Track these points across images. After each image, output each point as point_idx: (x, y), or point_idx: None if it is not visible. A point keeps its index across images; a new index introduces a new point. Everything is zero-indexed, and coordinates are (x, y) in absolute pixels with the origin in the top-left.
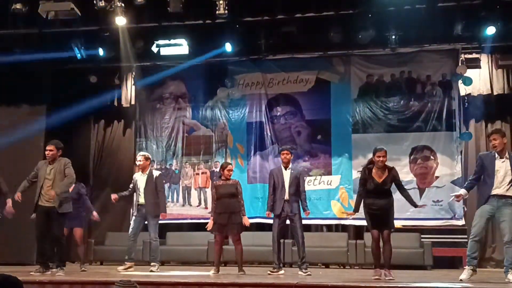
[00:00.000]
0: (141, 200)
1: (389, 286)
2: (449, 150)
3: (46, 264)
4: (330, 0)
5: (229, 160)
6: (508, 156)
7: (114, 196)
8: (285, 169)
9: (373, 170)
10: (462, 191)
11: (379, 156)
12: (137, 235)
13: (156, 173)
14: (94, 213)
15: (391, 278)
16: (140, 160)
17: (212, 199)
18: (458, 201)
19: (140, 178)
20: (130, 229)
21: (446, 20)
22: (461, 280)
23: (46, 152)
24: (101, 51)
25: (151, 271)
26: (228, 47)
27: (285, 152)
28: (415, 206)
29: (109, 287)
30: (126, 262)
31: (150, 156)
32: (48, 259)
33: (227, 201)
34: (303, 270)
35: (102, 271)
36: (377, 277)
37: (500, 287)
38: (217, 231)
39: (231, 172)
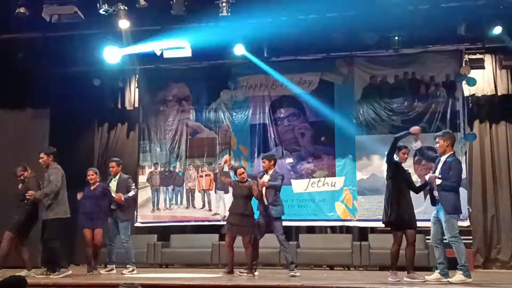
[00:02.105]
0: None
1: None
2: None
3: (51, 267)
4: (333, 1)
5: (233, 162)
6: (445, 158)
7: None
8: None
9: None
10: None
11: (404, 153)
12: (115, 238)
13: (124, 176)
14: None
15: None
16: (112, 166)
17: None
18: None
19: (112, 183)
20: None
21: (450, 20)
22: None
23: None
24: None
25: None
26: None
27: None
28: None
29: None
30: (107, 265)
31: (121, 161)
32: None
33: (240, 202)
34: (290, 271)
35: (106, 274)
36: (398, 279)
37: None
38: (228, 230)
39: (241, 176)
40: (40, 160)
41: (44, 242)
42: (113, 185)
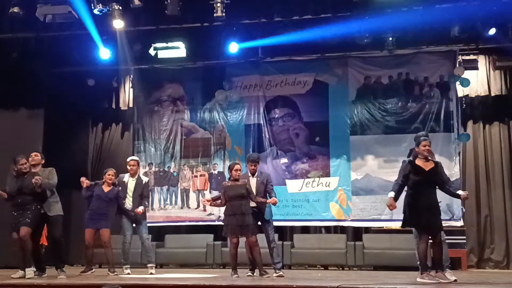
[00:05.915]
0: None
1: (388, 287)
2: (447, 151)
3: (42, 267)
4: (327, 2)
5: (227, 163)
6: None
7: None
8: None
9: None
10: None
11: (425, 145)
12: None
13: (145, 179)
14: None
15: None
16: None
17: (221, 200)
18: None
19: (130, 183)
20: (126, 234)
21: (443, 21)
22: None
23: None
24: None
25: (151, 273)
26: (233, 47)
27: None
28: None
29: None
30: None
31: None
32: (40, 262)
33: (238, 203)
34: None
35: (102, 274)
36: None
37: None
38: (231, 233)
39: (238, 172)
40: None
41: (53, 240)
42: (131, 184)
